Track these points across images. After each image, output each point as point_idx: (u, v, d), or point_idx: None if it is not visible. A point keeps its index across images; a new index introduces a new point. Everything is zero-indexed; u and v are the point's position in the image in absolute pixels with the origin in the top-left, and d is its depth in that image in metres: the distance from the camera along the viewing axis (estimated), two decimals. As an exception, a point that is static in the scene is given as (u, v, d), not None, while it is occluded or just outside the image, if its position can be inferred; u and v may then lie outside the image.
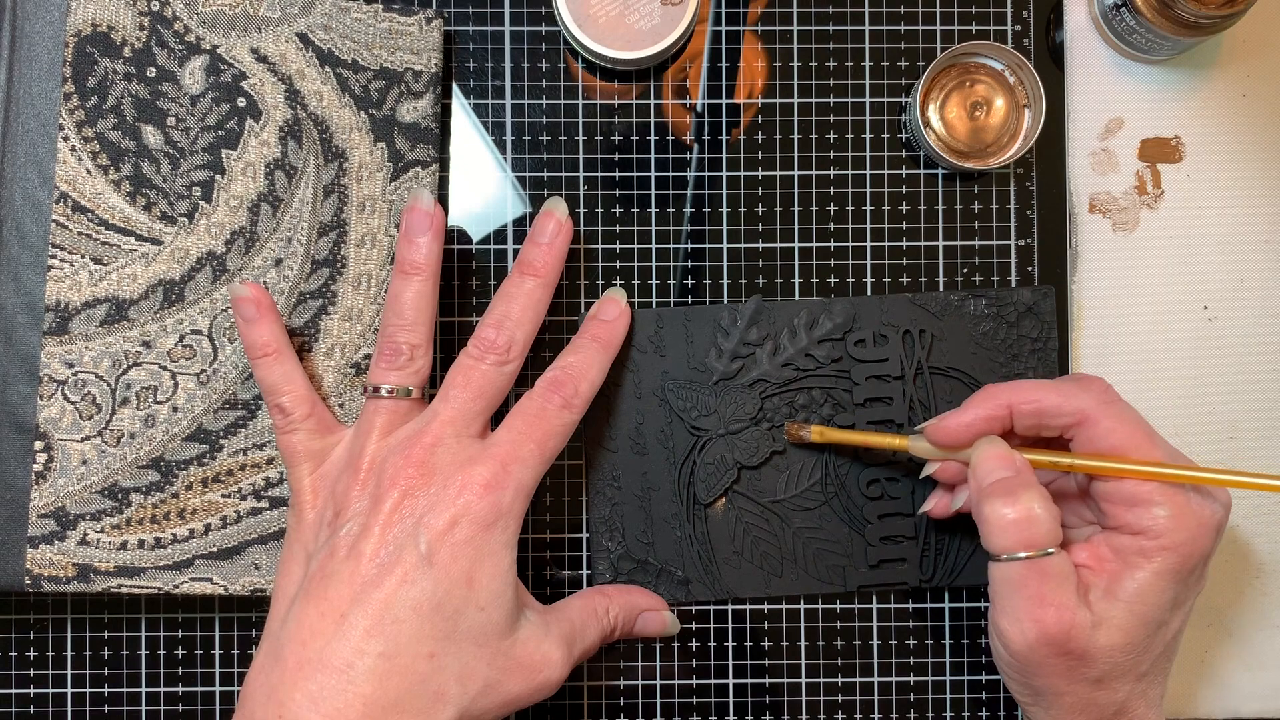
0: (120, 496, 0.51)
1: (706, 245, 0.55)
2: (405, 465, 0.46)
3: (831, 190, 0.55)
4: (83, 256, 0.51)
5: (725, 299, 0.55)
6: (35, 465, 0.50)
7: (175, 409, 0.51)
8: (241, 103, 0.51)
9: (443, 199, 0.55)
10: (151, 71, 0.51)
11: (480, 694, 0.45)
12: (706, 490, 0.54)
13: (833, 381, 0.54)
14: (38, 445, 0.50)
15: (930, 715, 0.56)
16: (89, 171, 0.51)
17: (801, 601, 0.55)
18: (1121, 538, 0.46)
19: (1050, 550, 0.45)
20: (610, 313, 0.52)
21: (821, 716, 0.55)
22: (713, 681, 0.55)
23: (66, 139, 0.50)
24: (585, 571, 0.55)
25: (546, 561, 0.55)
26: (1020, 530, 0.45)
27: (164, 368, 0.51)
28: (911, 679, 0.56)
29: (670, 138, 0.55)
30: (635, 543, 0.54)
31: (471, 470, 0.46)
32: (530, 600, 0.49)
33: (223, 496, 0.51)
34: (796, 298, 0.55)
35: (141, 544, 0.51)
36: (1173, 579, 0.45)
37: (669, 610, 0.53)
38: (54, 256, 0.51)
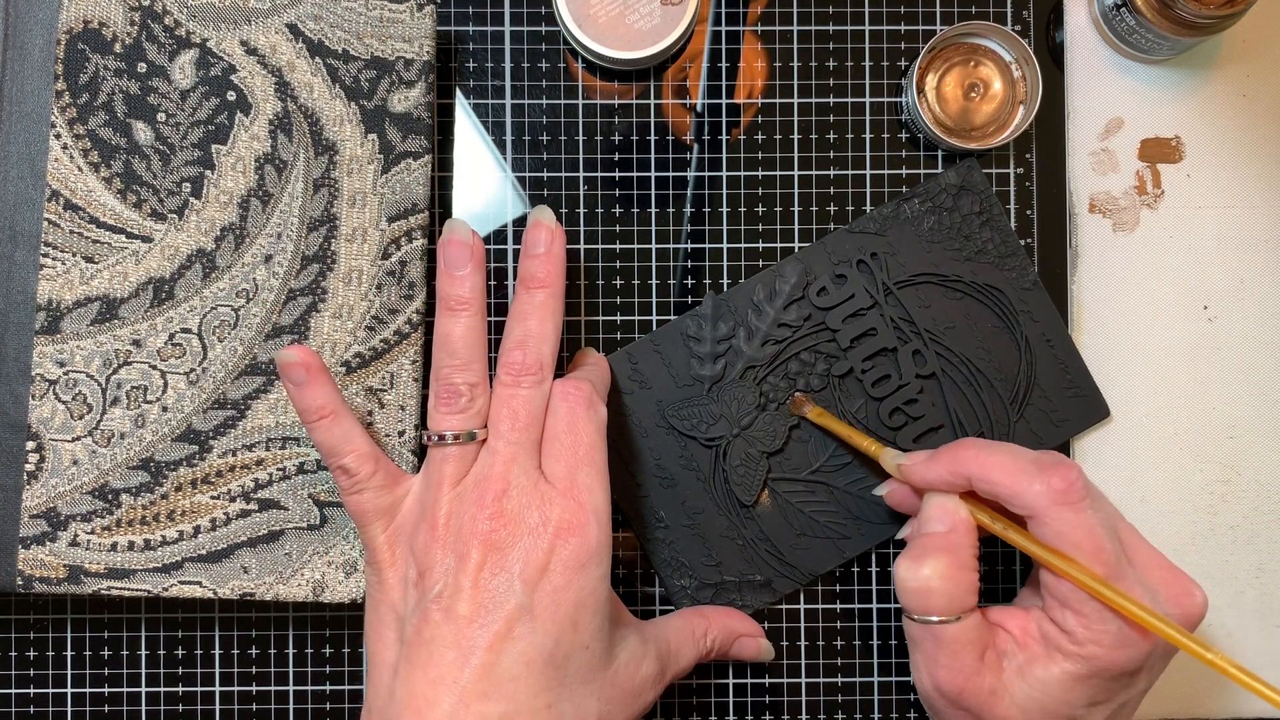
0: (110, 497, 0.48)
1: (706, 245, 0.53)
2: (481, 517, 0.43)
3: (831, 190, 0.53)
4: (74, 255, 0.48)
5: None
6: (27, 465, 0.48)
7: (165, 409, 0.49)
8: (231, 96, 0.49)
9: (444, 199, 0.53)
10: (142, 67, 0.49)
11: None
12: (746, 491, 0.52)
13: (814, 338, 0.52)
14: (29, 445, 0.48)
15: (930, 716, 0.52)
16: (80, 169, 0.48)
17: (801, 601, 0.53)
18: (1050, 626, 0.44)
19: (955, 618, 0.44)
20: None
21: (821, 716, 0.53)
22: (713, 681, 0.53)
23: (58, 136, 0.48)
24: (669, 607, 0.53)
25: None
26: (917, 597, 0.44)
27: (154, 367, 0.48)
28: (911, 679, 0.52)
29: (670, 138, 0.53)
30: (703, 569, 0.52)
31: (548, 512, 0.43)
32: (626, 616, 0.47)
33: (212, 498, 0.48)
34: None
35: (131, 545, 0.48)
36: (1085, 683, 0.43)
37: (765, 637, 0.51)
38: (46, 255, 0.48)
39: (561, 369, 0.52)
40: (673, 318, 0.52)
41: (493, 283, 0.52)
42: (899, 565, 0.45)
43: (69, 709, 0.51)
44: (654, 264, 0.53)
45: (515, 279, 0.52)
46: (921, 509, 0.46)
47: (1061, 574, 0.43)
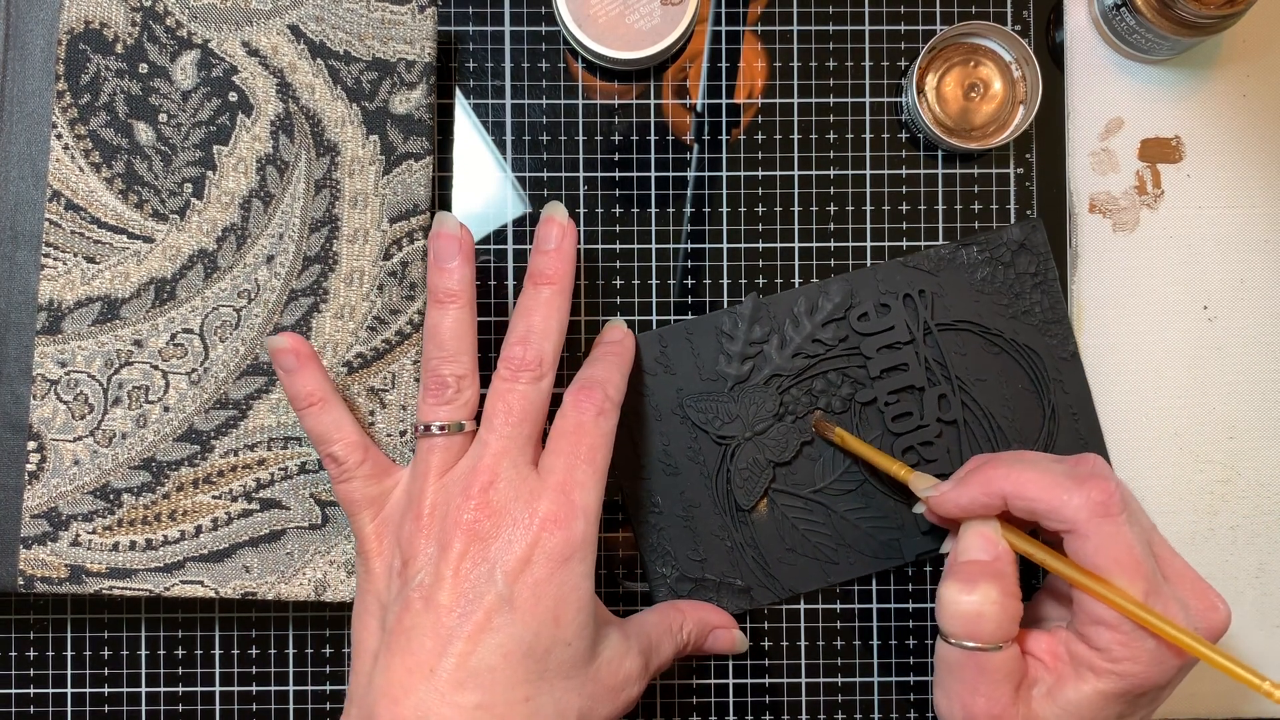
0: (112, 497, 0.48)
1: (706, 245, 0.53)
2: (466, 508, 0.43)
3: (831, 190, 0.53)
4: (75, 255, 0.49)
5: (725, 299, 0.53)
6: (28, 465, 0.48)
7: (167, 409, 0.49)
8: (233, 97, 0.49)
9: (444, 199, 0.53)
10: (144, 68, 0.49)
11: None
12: (746, 496, 0.52)
13: (845, 361, 0.52)
14: (30, 445, 0.48)
15: (930, 716, 0.53)
16: (81, 169, 0.49)
17: (801, 601, 0.53)
18: (1079, 645, 0.44)
19: (997, 646, 0.43)
20: (616, 335, 0.50)
21: (821, 716, 0.53)
22: (712, 681, 0.53)
23: (60, 137, 0.48)
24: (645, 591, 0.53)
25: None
26: (967, 623, 0.43)
27: (155, 367, 0.49)
28: (912, 679, 0.54)
29: (670, 138, 0.53)
30: (688, 562, 0.52)
31: (535, 505, 0.43)
32: (608, 616, 0.47)
33: (214, 498, 0.49)
34: (793, 287, 0.53)
35: (133, 545, 0.48)
36: (1117, 700, 0.43)
37: (738, 629, 0.51)
38: (47, 255, 0.48)
39: (575, 359, 0.52)
40: (672, 318, 0.53)
41: (492, 282, 0.52)
42: (947, 588, 0.44)
43: (69, 709, 0.52)
44: (654, 264, 0.53)
45: (515, 277, 0.53)
46: (959, 538, 0.45)
47: (1100, 598, 0.42)
